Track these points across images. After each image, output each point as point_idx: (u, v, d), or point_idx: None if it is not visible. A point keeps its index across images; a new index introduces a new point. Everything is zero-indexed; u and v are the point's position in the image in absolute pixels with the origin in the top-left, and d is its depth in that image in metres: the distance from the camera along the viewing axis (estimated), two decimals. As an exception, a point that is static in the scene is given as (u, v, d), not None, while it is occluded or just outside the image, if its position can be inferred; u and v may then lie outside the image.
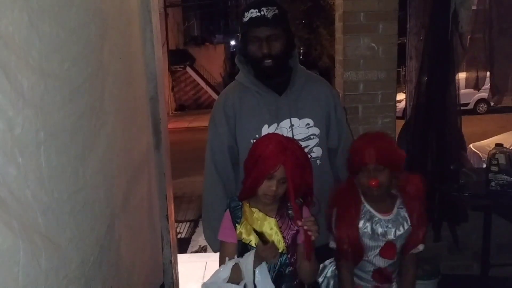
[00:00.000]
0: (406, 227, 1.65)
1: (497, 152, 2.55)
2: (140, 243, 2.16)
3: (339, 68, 2.81)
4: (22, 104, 1.05)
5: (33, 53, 1.12)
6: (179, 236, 5.19)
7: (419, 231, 1.65)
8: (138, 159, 2.15)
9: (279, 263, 1.53)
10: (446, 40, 2.71)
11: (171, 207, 2.62)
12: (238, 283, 1.47)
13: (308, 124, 1.75)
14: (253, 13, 1.64)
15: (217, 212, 1.74)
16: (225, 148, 1.77)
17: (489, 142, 5.65)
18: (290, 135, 1.71)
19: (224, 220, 1.59)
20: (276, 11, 1.65)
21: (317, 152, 1.77)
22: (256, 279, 1.46)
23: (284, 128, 1.72)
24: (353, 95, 2.70)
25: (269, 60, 1.67)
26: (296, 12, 15.20)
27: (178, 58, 19.01)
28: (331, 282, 1.82)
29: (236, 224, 1.55)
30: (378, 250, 1.66)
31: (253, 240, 1.52)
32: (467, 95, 6.30)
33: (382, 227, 1.64)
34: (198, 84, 19.89)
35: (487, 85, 3.09)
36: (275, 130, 1.71)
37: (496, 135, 6.23)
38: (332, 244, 1.73)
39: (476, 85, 2.95)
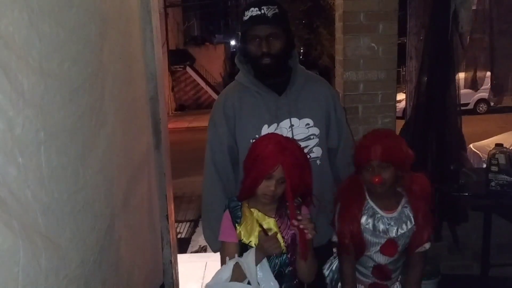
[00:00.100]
0: (409, 226, 1.65)
1: (497, 152, 2.55)
2: (140, 243, 2.16)
3: (339, 68, 2.81)
4: (22, 104, 1.05)
5: (33, 53, 1.12)
6: (179, 236, 5.19)
7: (424, 231, 1.65)
8: (138, 159, 2.15)
9: (279, 263, 1.53)
10: (446, 40, 2.71)
11: (171, 207, 2.62)
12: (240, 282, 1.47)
13: (308, 124, 1.75)
14: (254, 11, 1.65)
15: (216, 212, 1.74)
16: (225, 148, 1.77)
17: (489, 142, 5.65)
18: (290, 135, 1.71)
19: (223, 220, 1.59)
20: (277, 10, 1.65)
21: (317, 152, 1.77)
22: (258, 276, 1.46)
23: (284, 128, 1.72)
24: (353, 95, 2.70)
25: (268, 59, 1.67)
26: (296, 12, 15.21)
27: (178, 58, 19.01)
28: (336, 276, 1.82)
29: (236, 224, 1.55)
30: (379, 247, 1.66)
31: (253, 240, 1.52)
32: (467, 95, 6.31)
33: (384, 224, 1.65)
34: (198, 84, 19.90)
35: (486, 85, 3.09)
36: (275, 130, 1.71)
37: (496, 135, 6.23)
38: (335, 238, 1.75)
39: (475, 86, 2.95)
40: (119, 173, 1.80)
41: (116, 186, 1.77)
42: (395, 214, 1.66)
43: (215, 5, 25.69)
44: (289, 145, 1.49)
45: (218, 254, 1.71)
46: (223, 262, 1.55)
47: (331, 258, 1.88)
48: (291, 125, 1.73)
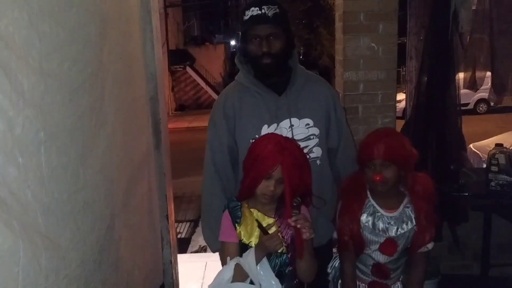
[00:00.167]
0: (410, 226, 1.65)
1: (497, 152, 2.55)
2: (140, 243, 2.16)
3: (339, 68, 2.81)
4: (22, 104, 1.05)
5: (33, 53, 1.12)
6: (179, 236, 5.19)
7: (426, 231, 1.65)
8: (138, 159, 2.15)
9: (279, 263, 1.53)
10: (446, 40, 2.71)
11: (171, 207, 2.62)
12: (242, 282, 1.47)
13: (308, 124, 1.75)
14: (254, 11, 1.65)
15: (216, 212, 1.74)
16: (225, 148, 1.77)
17: (489, 142, 5.65)
18: (289, 135, 1.71)
19: (223, 220, 1.59)
20: (277, 10, 1.66)
21: (317, 152, 1.77)
22: (259, 275, 1.46)
23: (283, 128, 1.72)
24: (353, 95, 2.70)
25: (269, 59, 1.67)
26: (296, 12, 15.21)
27: (178, 58, 19.02)
28: (337, 273, 1.83)
29: (236, 224, 1.55)
30: (378, 245, 1.67)
31: (253, 241, 1.52)
32: (467, 95, 6.32)
33: (383, 223, 1.65)
34: (198, 84, 19.90)
35: (486, 85, 3.09)
36: (275, 130, 1.71)
37: (496, 135, 6.23)
38: (335, 235, 1.75)
39: (474, 86, 2.95)
40: (119, 173, 1.80)
41: (116, 186, 1.77)
42: (395, 213, 1.66)
43: (215, 5, 25.70)
44: (289, 145, 1.49)
45: (218, 254, 1.71)
46: (223, 262, 1.55)
47: (335, 256, 1.88)
48: (291, 125, 1.73)
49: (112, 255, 1.68)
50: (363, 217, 1.66)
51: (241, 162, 1.66)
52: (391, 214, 1.66)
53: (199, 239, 5.21)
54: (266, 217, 1.54)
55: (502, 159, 2.53)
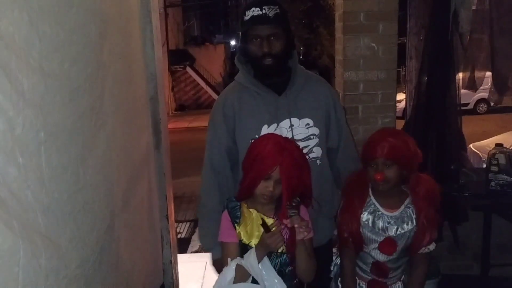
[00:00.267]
0: (410, 226, 1.65)
1: (497, 152, 2.56)
2: (140, 243, 2.16)
3: (339, 68, 2.81)
4: (22, 104, 1.05)
5: (33, 53, 1.12)
6: (179, 236, 5.18)
7: (426, 232, 1.64)
8: (138, 159, 2.15)
9: (279, 262, 1.53)
10: (446, 40, 2.71)
11: (171, 207, 2.62)
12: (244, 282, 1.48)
13: (308, 124, 1.75)
14: (255, 11, 1.64)
15: (211, 212, 1.77)
16: (224, 148, 1.77)
17: (489, 142, 5.65)
18: (290, 135, 1.71)
19: (223, 221, 1.59)
20: (278, 11, 1.65)
21: (317, 152, 1.77)
22: (262, 275, 1.47)
23: (283, 128, 1.72)
24: (353, 95, 2.70)
25: (269, 59, 1.67)
26: (296, 12, 15.21)
27: (178, 58, 19.02)
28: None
29: (235, 225, 1.55)
30: (377, 244, 1.67)
31: (253, 241, 1.52)
32: (467, 95, 6.31)
33: (383, 222, 1.65)
34: (198, 84, 19.90)
35: (486, 85, 3.09)
36: (275, 130, 1.71)
37: (496, 135, 6.23)
38: (336, 232, 1.76)
39: (473, 86, 2.95)
40: (119, 173, 1.80)
41: (116, 186, 1.77)
42: (396, 213, 1.66)
43: (215, 5, 25.70)
44: (288, 145, 1.49)
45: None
46: (224, 263, 1.55)
47: (338, 254, 1.89)
48: (291, 125, 1.73)
49: (112, 255, 1.68)
50: (363, 215, 1.67)
51: (241, 163, 1.66)
52: (391, 214, 1.66)
53: (199, 239, 5.21)
54: (265, 217, 1.54)
55: (502, 159, 2.53)
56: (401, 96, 6.82)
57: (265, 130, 1.71)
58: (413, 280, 1.74)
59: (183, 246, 4.89)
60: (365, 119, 2.72)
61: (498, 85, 2.93)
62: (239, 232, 1.55)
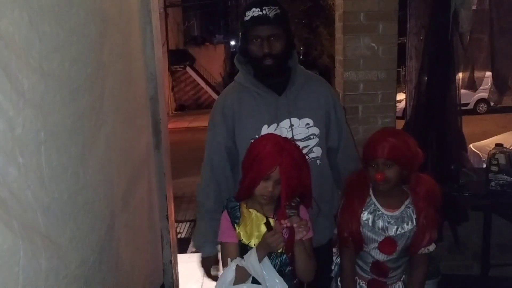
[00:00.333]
0: (410, 226, 1.65)
1: (497, 152, 2.55)
2: (140, 243, 2.16)
3: (339, 68, 2.81)
4: (22, 104, 1.05)
5: (33, 53, 1.12)
6: (179, 236, 5.18)
7: (425, 233, 1.64)
8: (138, 159, 2.15)
9: (279, 262, 1.53)
10: (446, 40, 2.71)
11: (171, 207, 2.62)
12: (244, 282, 1.47)
13: (308, 124, 1.75)
14: (255, 12, 1.64)
15: (205, 211, 1.78)
16: (223, 149, 1.77)
17: (489, 142, 5.65)
18: (290, 135, 1.71)
19: (222, 221, 1.59)
20: (278, 11, 1.65)
21: (316, 152, 1.77)
22: (263, 275, 1.47)
23: (283, 128, 1.72)
24: (353, 95, 2.70)
25: (270, 60, 1.66)
26: (296, 12, 15.21)
27: (178, 58, 19.02)
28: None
29: (235, 225, 1.55)
30: (377, 244, 1.67)
31: (253, 241, 1.52)
32: (467, 95, 6.32)
33: (383, 221, 1.65)
34: (198, 84, 19.90)
35: (486, 85, 3.09)
36: (275, 130, 1.71)
37: (496, 135, 6.23)
38: (335, 231, 1.76)
39: (473, 86, 2.95)
40: (119, 173, 1.81)
41: (116, 186, 1.77)
42: (396, 213, 1.66)
43: (215, 5, 25.70)
44: (287, 145, 1.49)
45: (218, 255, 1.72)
46: (224, 263, 1.55)
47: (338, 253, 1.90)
48: (291, 125, 1.73)
49: (112, 255, 1.68)
50: (364, 215, 1.67)
51: (241, 163, 1.66)
52: (391, 213, 1.66)
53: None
54: (264, 217, 1.54)
55: (502, 159, 2.53)
56: (401, 96, 6.82)
57: (265, 130, 1.71)
58: (413, 280, 1.74)
59: (183, 246, 4.89)
60: (365, 119, 2.71)
61: (498, 85, 2.93)
62: (238, 232, 1.55)
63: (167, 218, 2.53)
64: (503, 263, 2.78)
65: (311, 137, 1.75)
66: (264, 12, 1.63)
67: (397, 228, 1.65)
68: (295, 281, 1.58)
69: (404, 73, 5.90)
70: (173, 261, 2.63)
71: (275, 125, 1.72)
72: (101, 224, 1.56)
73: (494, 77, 2.93)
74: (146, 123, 2.35)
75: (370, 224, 1.66)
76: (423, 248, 1.68)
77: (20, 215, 1.02)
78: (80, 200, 1.38)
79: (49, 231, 1.17)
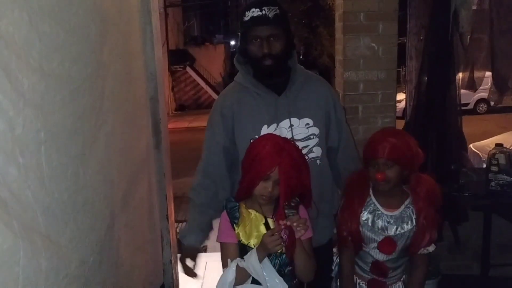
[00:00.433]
0: (410, 226, 1.65)
1: (497, 152, 2.55)
2: (140, 243, 2.16)
3: (339, 68, 2.81)
4: (22, 104, 1.05)
5: (33, 53, 1.12)
6: (179, 236, 5.17)
7: (425, 233, 1.64)
8: (138, 159, 2.15)
9: (278, 262, 1.53)
10: (447, 40, 2.71)
11: (171, 207, 2.62)
12: (244, 283, 1.47)
13: (308, 124, 1.75)
14: (255, 12, 1.64)
15: (195, 206, 1.80)
16: (220, 148, 1.77)
17: (489, 142, 5.65)
18: (289, 135, 1.71)
19: (221, 221, 1.59)
20: (277, 11, 1.65)
21: (316, 152, 1.77)
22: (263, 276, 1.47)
23: (283, 128, 1.72)
24: (353, 95, 2.70)
25: (269, 60, 1.66)
26: (296, 12, 15.21)
27: (178, 58, 19.03)
28: None
29: (234, 225, 1.55)
30: (377, 243, 1.67)
31: (252, 241, 1.52)
32: (467, 95, 6.31)
33: (383, 221, 1.65)
34: (198, 84, 19.91)
35: (486, 85, 3.09)
36: (275, 130, 1.71)
37: (496, 135, 6.24)
38: (335, 231, 1.77)
39: (473, 86, 2.95)
40: (119, 173, 1.81)
41: (116, 186, 1.77)
42: (396, 213, 1.66)
43: (215, 5, 25.71)
44: (287, 146, 1.49)
45: (218, 254, 1.71)
46: (224, 263, 1.55)
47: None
48: (291, 125, 1.73)
49: (112, 255, 1.68)
50: (363, 215, 1.67)
51: (241, 162, 1.66)
52: (391, 213, 1.66)
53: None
54: (264, 217, 1.54)
55: (502, 159, 2.53)
56: (401, 96, 6.82)
57: (264, 130, 1.71)
58: (413, 280, 1.74)
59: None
60: (365, 119, 2.71)
61: (498, 85, 2.93)
62: (237, 232, 1.55)
63: (167, 218, 2.53)
64: (503, 263, 2.78)
65: (311, 137, 1.75)
66: (263, 12, 1.63)
67: (396, 228, 1.65)
68: (295, 281, 1.58)
69: (404, 73, 5.90)
70: (173, 261, 2.62)
71: (274, 125, 1.72)
72: (101, 224, 1.56)
73: (494, 77, 2.92)
74: (146, 123, 2.35)
75: (370, 224, 1.66)
76: (422, 249, 1.68)
77: (20, 215, 1.02)
78: (80, 200, 1.38)
79: (49, 231, 1.17)
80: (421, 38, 2.84)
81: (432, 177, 1.69)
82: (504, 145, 2.67)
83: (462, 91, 2.87)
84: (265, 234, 1.46)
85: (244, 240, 1.53)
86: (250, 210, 1.55)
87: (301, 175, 1.51)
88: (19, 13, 1.06)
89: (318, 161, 1.77)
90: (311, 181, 1.57)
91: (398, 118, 2.85)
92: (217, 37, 27.71)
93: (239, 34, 1.74)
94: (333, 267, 1.88)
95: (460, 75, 2.85)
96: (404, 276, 1.78)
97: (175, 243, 2.72)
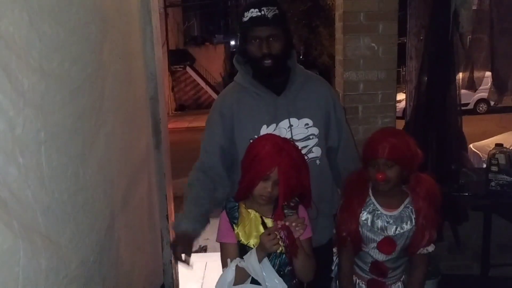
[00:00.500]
0: (409, 226, 1.65)
1: (497, 152, 2.55)
2: (140, 243, 2.16)
3: (339, 68, 2.81)
4: (22, 104, 1.05)
5: (33, 53, 1.12)
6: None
7: (425, 232, 1.64)
8: (138, 159, 2.15)
9: (278, 262, 1.53)
10: (447, 40, 2.71)
11: (171, 207, 2.62)
12: (243, 283, 1.47)
13: (307, 124, 1.75)
14: (254, 12, 1.64)
15: (191, 198, 1.75)
16: (218, 147, 1.77)
17: (489, 142, 5.65)
18: (289, 135, 1.71)
19: (221, 221, 1.59)
20: (276, 11, 1.65)
21: (316, 152, 1.77)
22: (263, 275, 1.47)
23: (283, 128, 1.72)
24: (353, 95, 2.70)
25: (269, 60, 1.66)
26: (296, 12, 15.21)
27: (178, 58, 19.02)
28: None
29: (234, 225, 1.55)
30: (376, 243, 1.67)
31: (251, 241, 1.52)
32: (467, 95, 6.31)
33: (382, 221, 1.65)
34: (198, 84, 19.90)
35: (486, 85, 3.09)
36: (274, 130, 1.70)
37: (496, 135, 6.23)
38: (335, 231, 1.77)
39: (473, 86, 2.95)
40: (119, 173, 1.81)
41: (116, 186, 1.77)
42: (395, 212, 1.66)
43: (215, 5, 25.69)
44: (286, 146, 1.49)
45: (218, 254, 1.71)
46: (223, 263, 1.55)
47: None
48: (290, 125, 1.73)
49: (112, 255, 1.68)
50: (363, 215, 1.67)
51: (240, 162, 1.66)
52: (391, 213, 1.66)
53: (199, 239, 5.19)
54: (264, 218, 1.54)
55: (502, 159, 2.53)
56: (401, 96, 6.81)
57: (264, 130, 1.71)
58: (412, 280, 1.74)
59: (183, 246, 4.88)
60: (365, 119, 2.71)
61: (498, 85, 2.93)
62: (237, 232, 1.54)
63: (167, 218, 2.53)
64: (503, 263, 2.78)
65: (310, 137, 1.75)
66: (262, 12, 1.63)
67: (396, 228, 1.65)
68: (294, 281, 1.58)
69: (404, 73, 5.90)
70: (173, 261, 2.62)
71: (274, 125, 1.72)
72: (101, 224, 1.56)
73: (493, 77, 2.92)
74: (146, 123, 2.35)
75: (369, 224, 1.66)
76: (422, 248, 1.68)
77: (20, 215, 1.02)
78: (80, 200, 1.38)
79: (49, 231, 1.17)
80: (421, 38, 2.84)
81: (432, 176, 1.69)
82: (504, 145, 2.67)
83: (462, 91, 2.87)
84: (262, 233, 1.46)
85: (243, 240, 1.53)
86: (249, 210, 1.55)
87: (301, 175, 1.51)
88: (19, 13, 1.06)
89: (317, 161, 1.77)
90: (311, 181, 1.57)
91: (398, 118, 2.85)
92: (217, 37, 27.68)
93: (239, 34, 1.74)
94: (332, 268, 1.88)
95: (460, 75, 2.85)
96: (403, 276, 1.78)
97: (175, 243, 2.72)
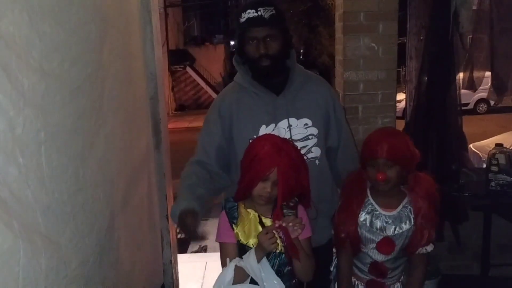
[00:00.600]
0: (408, 226, 1.65)
1: (497, 152, 2.56)
2: (140, 243, 2.16)
3: (339, 68, 2.81)
4: (22, 104, 1.05)
5: (33, 53, 1.12)
6: (179, 236, 5.16)
7: (424, 232, 1.64)
8: (138, 159, 2.15)
9: (277, 262, 1.53)
10: (447, 40, 2.71)
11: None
12: (243, 282, 1.47)
13: (307, 124, 1.75)
14: (250, 13, 1.64)
15: (187, 187, 1.66)
16: (215, 146, 1.76)
17: (489, 142, 5.65)
18: (288, 135, 1.71)
19: (220, 221, 1.59)
20: (273, 12, 1.65)
21: (315, 152, 1.77)
22: (261, 276, 1.47)
23: (282, 128, 1.72)
24: (353, 95, 2.70)
25: (267, 60, 1.66)
26: (296, 12, 15.22)
27: (178, 58, 19.02)
28: None
29: (233, 225, 1.55)
30: (375, 244, 1.66)
31: (251, 241, 1.52)
32: (467, 95, 6.30)
33: (381, 221, 1.65)
34: (198, 84, 19.91)
35: (486, 85, 3.09)
36: (273, 130, 1.70)
37: (496, 135, 6.23)
38: (333, 232, 1.76)
39: (472, 86, 2.95)
40: (119, 173, 1.81)
41: (116, 186, 1.77)
42: (394, 212, 1.66)
43: (215, 5, 25.68)
44: (285, 146, 1.49)
45: (218, 254, 1.71)
46: (223, 263, 1.55)
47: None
48: (289, 125, 1.72)
49: (112, 255, 1.68)
50: (361, 215, 1.66)
51: (240, 163, 1.66)
52: (389, 213, 1.66)
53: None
54: (263, 217, 1.54)
55: (502, 159, 2.53)
56: (401, 96, 6.81)
57: (263, 130, 1.71)
58: (412, 281, 1.74)
59: (183, 246, 4.88)
60: (365, 119, 2.71)
61: (497, 85, 2.93)
62: (236, 232, 1.54)
63: (167, 218, 2.53)
64: (503, 263, 2.78)
65: (310, 137, 1.75)
66: (259, 13, 1.63)
67: (395, 228, 1.65)
68: (294, 281, 1.58)
69: (404, 73, 5.90)
70: (173, 261, 2.63)
71: (273, 125, 1.72)
72: (101, 224, 1.56)
73: (493, 77, 2.92)
74: (146, 123, 2.35)
75: (368, 225, 1.66)
76: (421, 248, 1.68)
77: (20, 215, 1.02)
78: (80, 200, 1.38)
79: (49, 231, 1.17)
80: (421, 38, 2.84)
81: (432, 177, 1.69)
82: (504, 145, 2.67)
83: (462, 91, 2.87)
84: (259, 232, 1.46)
85: (243, 240, 1.53)
86: (249, 210, 1.55)
87: (300, 175, 1.51)
88: (19, 13, 1.06)
89: (317, 161, 1.77)
90: (310, 181, 1.57)
91: (398, 118, 2.85)
92: (217, 37, 27.67)
93: (237, 35, 1.74)
94: (331, 269, 1.87)
95: (460, 75, 2.85)
96: (402, 277, 1.78)
97: (175, 243, 2.72)
